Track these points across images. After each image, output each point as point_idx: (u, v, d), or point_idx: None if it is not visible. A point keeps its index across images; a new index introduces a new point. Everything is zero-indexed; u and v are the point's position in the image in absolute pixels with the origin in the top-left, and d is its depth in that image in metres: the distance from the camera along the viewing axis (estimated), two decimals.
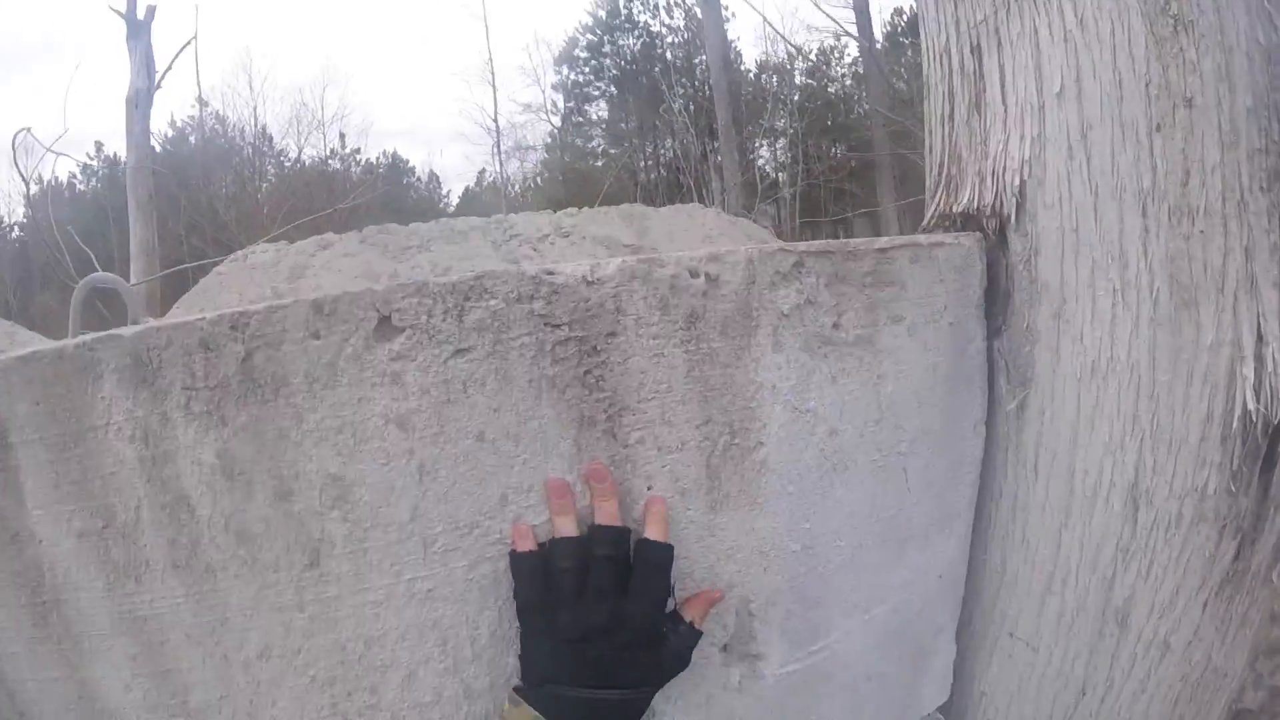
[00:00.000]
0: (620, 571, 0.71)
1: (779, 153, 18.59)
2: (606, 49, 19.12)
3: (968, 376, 1.05)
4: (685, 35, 17.86)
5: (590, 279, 0.70)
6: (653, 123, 18.17)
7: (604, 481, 0.73)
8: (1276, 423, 0.87)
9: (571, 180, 19.65)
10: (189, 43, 8.87)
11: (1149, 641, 1.00)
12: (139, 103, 7.88)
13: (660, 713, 0.82)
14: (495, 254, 1.05)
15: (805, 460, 0.86)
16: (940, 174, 1.14)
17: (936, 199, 1.14)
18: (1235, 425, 0.88)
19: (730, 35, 16.25)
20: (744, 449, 0.83)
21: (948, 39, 1.11)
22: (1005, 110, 1.00)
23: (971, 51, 1.06)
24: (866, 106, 16.48)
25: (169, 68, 8.11)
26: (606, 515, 0.72)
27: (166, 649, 0.74)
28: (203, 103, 18.55)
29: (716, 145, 14.68)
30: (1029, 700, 1.12)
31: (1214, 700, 1.06)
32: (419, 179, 34.07)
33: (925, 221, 1.15)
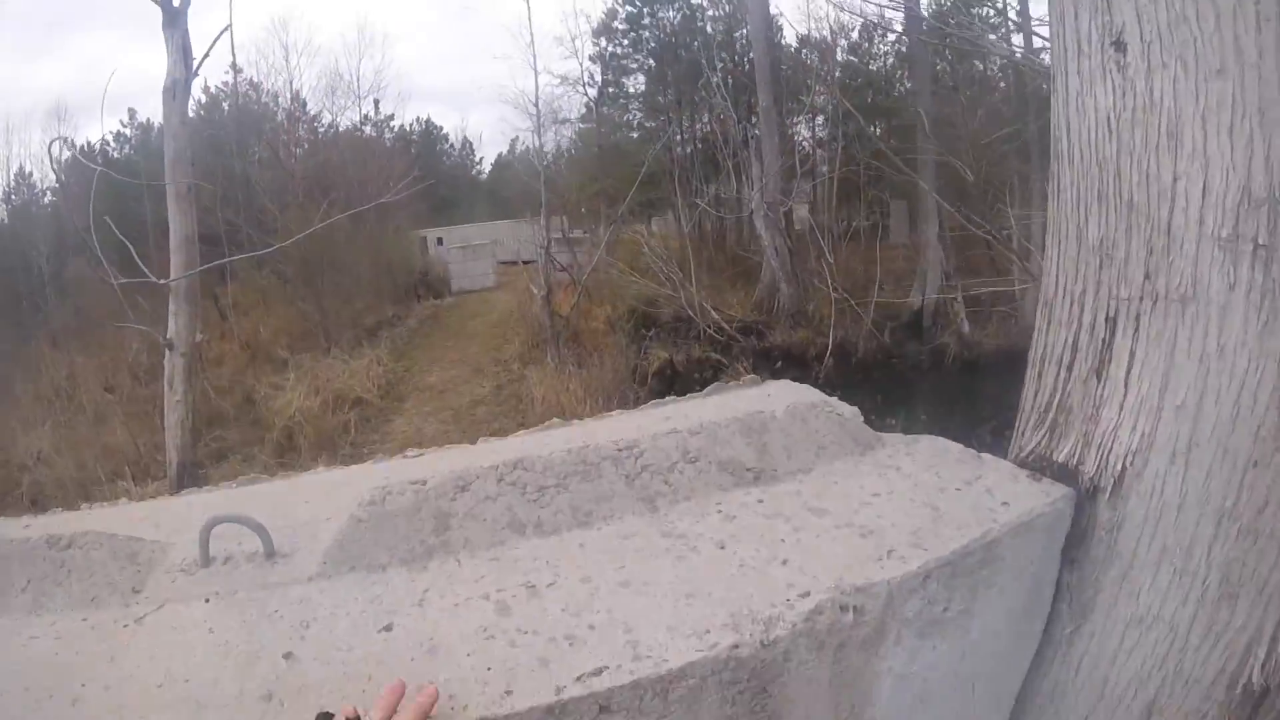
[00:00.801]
0: None
1: (817, 129, 18.31)
2: (646, 21, 18.75)
3: (1040, 606, 1.17)
4: (727, 8, 17.44)
5: (766, 641, 0.81)
6: (691, 97, 17.91)
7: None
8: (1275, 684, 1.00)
9: (607, 152, 19.52)
10: (224, 30, 8.88)
11: None
12: (176, 93, 7.84)
13: None
14: (629, 490, 1.15)
15: (901, 704, 0.98)
16: (1045, 412, 1.22)
17: (1036, 436, 1.23)
18: (1238, 690, 1.03)
19: (772, 9, 15.83)
20: (858, 713, 0.95)
21: (1084, 292, 1.16)
22: (1125, 394, 1.09)
23: (1106, 321, 1.12)
24: (909, 85, 16.12)
25: (206, 55, 8.06)
26: None
27: None
28: (236, 69, 18.59)
29: (756, 125, 14.46)
30: None
31: None
32: (452, 145, 34.02)
33: (1018, 452, 1.24)
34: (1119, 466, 1.06)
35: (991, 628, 1.06)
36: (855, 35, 17.48)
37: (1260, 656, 1.02)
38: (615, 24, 19.20)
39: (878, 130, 16.83)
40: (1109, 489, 1.08)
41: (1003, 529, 1.01)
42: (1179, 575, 1.04)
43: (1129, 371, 1.07)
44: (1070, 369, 1.18)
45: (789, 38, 18.06)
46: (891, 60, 17.77)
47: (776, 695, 0.86)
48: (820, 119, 17.78)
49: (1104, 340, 1.11)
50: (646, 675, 0.77)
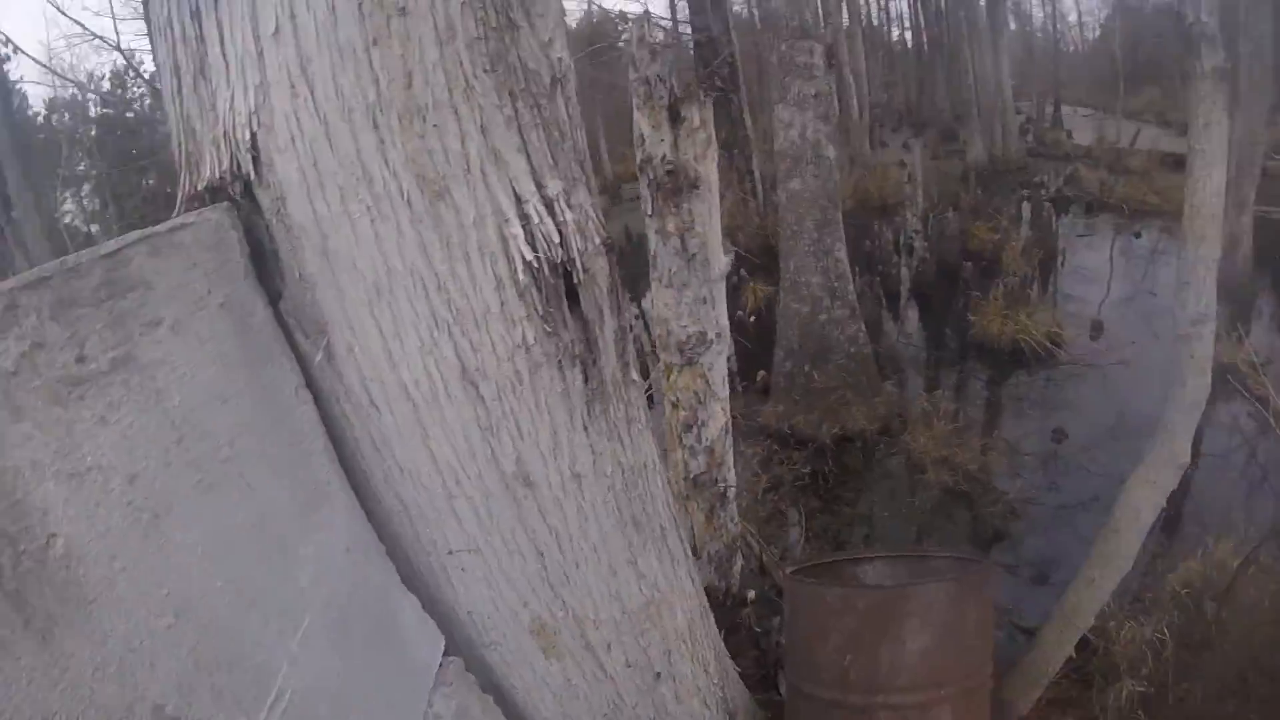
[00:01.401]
0: None
1: (86, 201, 15.53)
2: None
3: (265, 350, 1.00)
4: None
5: None
6: None
7: None
8: (560, 260, 1.03)
9: None
10: None
11: (562, 481, 1.15)
12: None
13: None
14: None
15: (115, 524, 0.71)
16: (181, 155, 1.02)
17: (181, 182, 1.03)
18: (524, 279, 1.01)
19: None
20: (36, 554, 0.64)
21: (169, 11, 0.97)
22: (228, 66, 0.92)
23: (192, 17, 0.94)
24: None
25: None
26: None
27: None
28: None
29: (12, 215, 11.57)
30: (502, 591, 1.21)
31: (649, 482, 1.29)
32: None
33: (176, 210, 1.03)
34: (247, 135, 0.91)
35: (199, 383, 0.84)
36: (107, 83, 15.07)
37: (517, 233, 1.01)
38: None
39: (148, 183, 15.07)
40: (252, 170, 0.93)
41: (120, 245, 0.78)
42: (374, 210, 0.94)
43: (223, 43, 0.93)
44: (181, 92, 1.00)
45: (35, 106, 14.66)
46: (150, 100, 15.96)
47: None
48: (86, 187, 15.09)
49: (196, 35, 0.95)
50: None
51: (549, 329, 1.05)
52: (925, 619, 1.94)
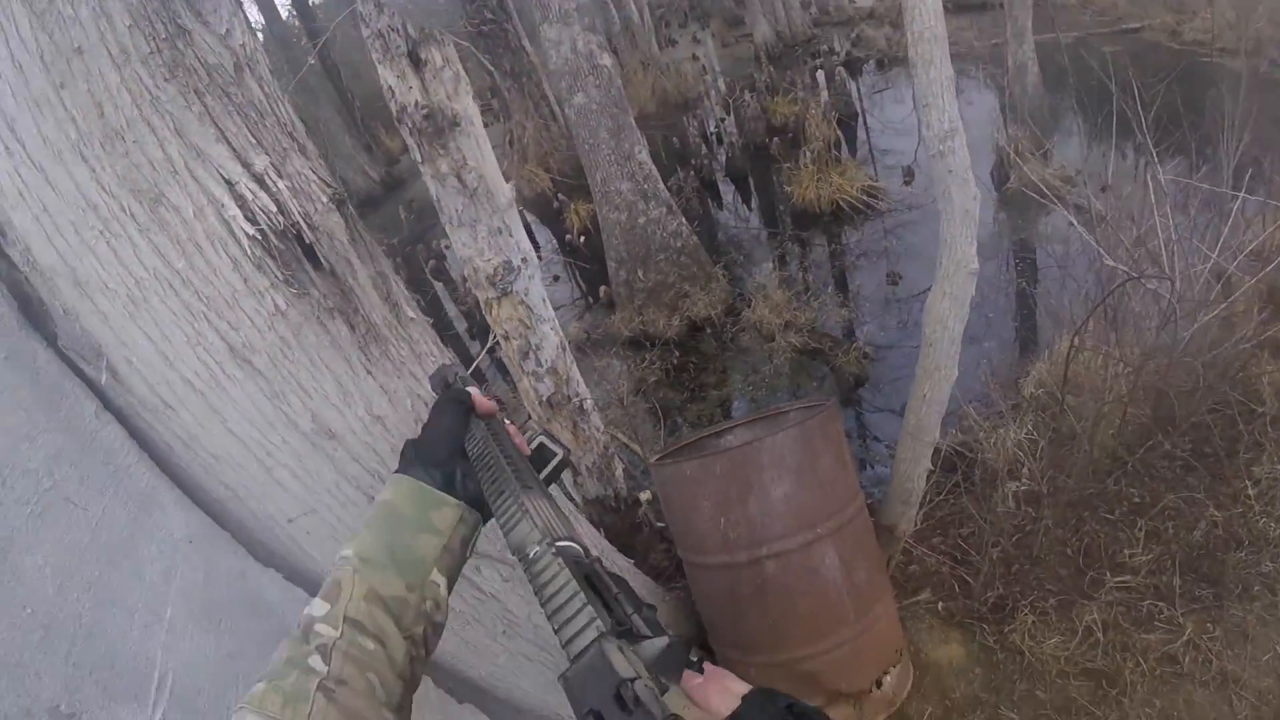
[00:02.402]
0: None
1: None
2: None
3: (57, 386, 1.14)
4: None
5: None
6: None
7: None
8: (286, 225, 1.12)
9: None
10: None
11: (365, 426, 1.25)
12: None
13: None
14: None
15: None
16: None
17: None
18: (257, 252, 1.10)
19: None
20: None
21: None
22: None
23: None
24: None
25: None
26: None
27: None
28: None
29: None
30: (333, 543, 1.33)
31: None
32: None
33: None
34: None
35: (12, 431, 0.93)
36: None
37: (235, 214, 1.09)
38: None
39: None
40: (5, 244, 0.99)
41: None
42: (108, 241, 1.02)
43: None
44: None
45: None
46: None
47: None
48: None
49: None
50: None
51: (296, 291, 1.14)
52: (780, 467, 2.07)
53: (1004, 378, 3.73)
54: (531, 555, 0.65)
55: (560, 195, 7.96)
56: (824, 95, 8.31)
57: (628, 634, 0.56)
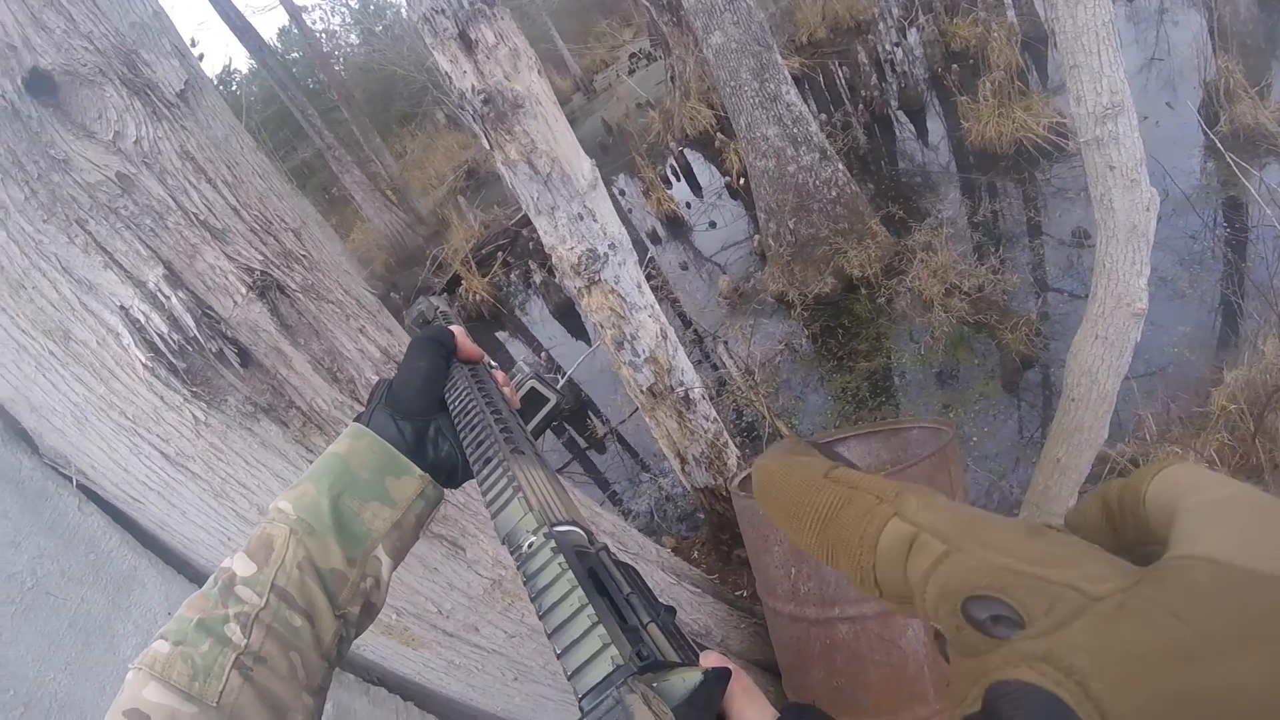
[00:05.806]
0: None
1: None
2: None
3: (40, 490, 1.23)
4: None
5: None
6: None
7: None
8: (178, 345, 1.07)
9: None
10: None
11: None
12: None
13: None
14: None
15: None
16: None
17: None
18: (164, 371, 1.07)
19: None
20: None
21: None
22: None
23: None
24: None
25: None
26: None
27: None
28: None
29: None
30: None
31: None
32: None
33: None
34: None
35: None
36: None
37: (153, 320, 1.09)
38: None
39: None
40: None
41: None
42: None
43: None
44: None
45: None
46: None
47: None
48: None
49: None
50: None
51: (211, 400, 1.10)
52: None
53: (1189, 379, 2.99)
54: (526, 549, 0.51)
55: (721, 134, 7.57)
56: (1010, 14, 7.06)
57: (651, 666, 0.41)
